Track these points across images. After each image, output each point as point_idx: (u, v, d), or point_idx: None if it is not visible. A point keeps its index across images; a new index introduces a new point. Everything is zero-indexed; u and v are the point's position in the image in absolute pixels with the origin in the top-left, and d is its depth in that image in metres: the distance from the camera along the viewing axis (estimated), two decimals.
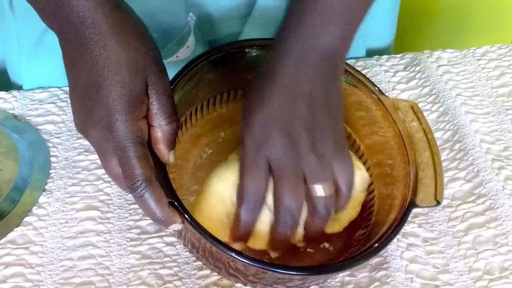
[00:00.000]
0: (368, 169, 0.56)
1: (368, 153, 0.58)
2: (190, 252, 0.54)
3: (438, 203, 0.50)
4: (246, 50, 0.57)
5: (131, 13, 0.48)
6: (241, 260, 0.46)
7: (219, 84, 0.58)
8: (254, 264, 0.46)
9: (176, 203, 0.47)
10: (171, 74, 0.70)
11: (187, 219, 0.47)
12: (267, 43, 0.55)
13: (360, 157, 0.58)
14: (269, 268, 0.46)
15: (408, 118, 0.55)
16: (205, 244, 0.47)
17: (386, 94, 0.69)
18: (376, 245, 0.48)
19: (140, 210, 0.52)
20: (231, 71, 0.57)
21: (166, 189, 0.47)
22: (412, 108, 0.55)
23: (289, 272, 0.47)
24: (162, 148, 0.48)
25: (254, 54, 0.57)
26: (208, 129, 0.60)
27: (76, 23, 0.45)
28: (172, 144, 0.49)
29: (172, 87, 0.51)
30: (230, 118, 0.60)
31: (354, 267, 0.52)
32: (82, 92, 0.46)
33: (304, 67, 0.48)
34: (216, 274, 0.54)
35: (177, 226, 0.47)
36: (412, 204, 0.49)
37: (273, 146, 0.47)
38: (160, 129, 0.48)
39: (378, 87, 0.57)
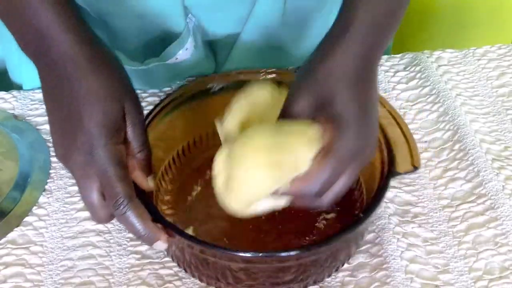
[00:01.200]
0: None
1: None
2: (185, 271, 0.55)
3: (415, 168, 0.53)
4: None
5: (104, 45, 0.50)
6: (231, 253, 0.48)
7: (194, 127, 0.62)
8: (244, 254, 0.48)
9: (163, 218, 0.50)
10: (170, 76, 0.70)
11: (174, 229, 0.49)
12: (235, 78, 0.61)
13: None
14: (257, 255, 0.48)
15: None
16: (195, 254, 0.50)
17: (386, 94, 0.70)
18: (361, 215, 0.50)
19: None
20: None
21: (147, 206, 0.50)
22: None
23: (281, 254, 0.48)
24: (139, 175, 0.51)
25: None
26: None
27: (56, 58, 0.48)
28: (147, 170, 0.51)
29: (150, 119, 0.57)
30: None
31: (347, 247, 0.53)
32: (63, 123, 0.49)
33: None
34: None
35: (161, 244, 0.49)
36: (390, 172, 0.52)
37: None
38: (134, 157, 0.50)
39: None
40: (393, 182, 0.60)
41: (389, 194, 0.59)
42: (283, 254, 0.48)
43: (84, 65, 0.48)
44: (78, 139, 0.47)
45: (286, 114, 0.49)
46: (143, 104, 0.69)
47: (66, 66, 0.48)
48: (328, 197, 0.47)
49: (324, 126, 0.47)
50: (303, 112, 0.48)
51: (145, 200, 0.51)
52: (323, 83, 0.47)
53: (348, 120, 0.47)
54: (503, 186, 0.60)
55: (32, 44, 0.49)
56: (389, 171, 0.53)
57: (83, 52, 0.48)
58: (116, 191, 0.47)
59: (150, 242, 0.49)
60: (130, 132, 0.50)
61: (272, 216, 0.57)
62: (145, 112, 0.65)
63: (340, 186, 0.47)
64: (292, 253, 0.48)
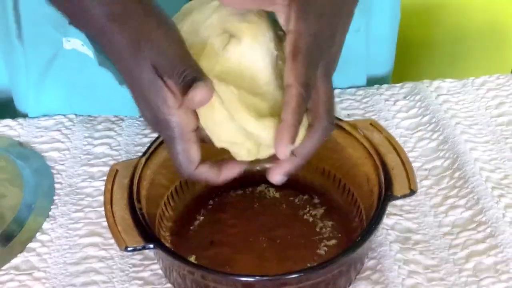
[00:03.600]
0: (348, 190, 0.60)
1: (344, 177, 0.61)
2: None
3: (413, 191, 0.54)
4: None
5: None
6: (232, 278, 0.48)
7: None
8: (245, 279, 0.49)
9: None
10: None
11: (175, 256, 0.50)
12: None
13: (338, 182, 0.62)
14: (257, 279, 0.48)
15: (368, 132, 0.59)
16: (196, 280, 0.50)
17: (386, 122, 0.71)
18: (359, 238, 0.51)
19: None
20: None
21: (142, 229, 0.51)
22: (370, 124, 0.60)
23: (281, 278, 0.49)
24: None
25: None
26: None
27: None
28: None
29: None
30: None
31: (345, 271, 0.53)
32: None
33: None
34: None
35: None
36: (388, 196, 0.53)
37: None
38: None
39: None
40: (394, 209, 0.61)
41: (390, 221, 0.60)
42: (283, 277, 0.48)
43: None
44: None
45: None
46: (146, 131, 0.70)
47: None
48: (324, 111, 0.48)
49: (291, 15, 0.47)
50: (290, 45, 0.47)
51: (146, 226, 0.51)
52: None
53: (314, 13, 0.46)
54: (503, 214, 0.60)
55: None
56: (386, 194, 0.53)
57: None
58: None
59: None
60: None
61: (274, 243, 0.58)
62: (149, 139, 0.66)
63: (325, 92, 0.48)
64: (292, 276, 0.48)
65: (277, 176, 0.50)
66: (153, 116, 0.48)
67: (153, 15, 0.47)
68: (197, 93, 0.45)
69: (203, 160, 0.50)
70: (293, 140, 0.47)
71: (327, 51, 0.48)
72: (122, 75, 0.49)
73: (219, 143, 0.49)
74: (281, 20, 0.48)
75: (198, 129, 0.49)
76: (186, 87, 0.45)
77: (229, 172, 0.51)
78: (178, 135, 0.47)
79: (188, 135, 0.48)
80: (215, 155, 0.51)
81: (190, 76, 0.45)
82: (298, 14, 0.47)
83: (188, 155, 0.48)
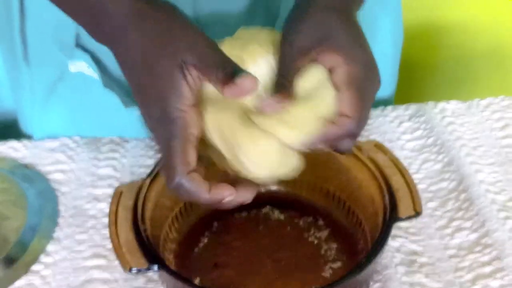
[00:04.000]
0: (353, 212, 0.60)
1: (349, 198, 0.61)
2: None
3: (417, 213, 0.53)
4: None
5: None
6: None
7: None
8: None
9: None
10: None
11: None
12: None
13: (343, 204, 0.61)
14: None
15: (373, 153, 0.59)
16: None
17: (391, 144, 0.71)
18: (364, 260, 0.50)
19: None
20: None
21: (146, 251, 0.50)
22: (375, 145, 0.60)
23: None
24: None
25: None
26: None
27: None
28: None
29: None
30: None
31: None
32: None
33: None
34: None
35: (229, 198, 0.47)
36: (392, 217, 0.53)
37: None
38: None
39: None
40: (399, 232, 0.61)
41: (396, 243, 0.60)
42: None
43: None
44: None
45: (295, 71, 0.48)
46: (150, 152, 0.70)
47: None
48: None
49: (332, 58, 0.48)
50: (310, 58, 0.48)
51: (150, 248, 0.51)
52: (320, 19, 0.48)
53: (355, 46, 0.48)
54: (509, 236, 0.60)
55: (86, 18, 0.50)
56: (391, 217, 0.53)
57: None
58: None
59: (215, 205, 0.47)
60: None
61: (278, 266, 0.57)
62: (154, 161, 0.66)
63: (366, 118, 0.49)
64: None
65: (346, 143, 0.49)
66: (160, 111, 0.46)
67: (181, 15, 0.48)
68: (247, 80, 0.44)
69: None
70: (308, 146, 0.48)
71: (375, 78, 0.49)
72: (135, 73, 0.48)
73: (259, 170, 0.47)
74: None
75: (199, 138, 0.48)
76: (230, 76, 0.45)
77: (220, 192, 0.47)
78: (182, 133, 0.46)
79: (191, 136, 0.46)
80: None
81: (232, 68, 0.45)
82: (339, 51, 0.48)
83: (185, 155, 0.46)
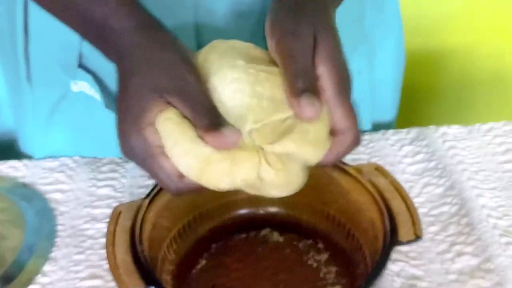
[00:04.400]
0: (353, 235, 0.59)
1: (349, 221, 0.60)
2: None
3: (418, 237, 0.53)
4: None
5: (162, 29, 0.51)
6: None
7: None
8: None
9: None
10: None
11: None
12: None
13: (343, 227, 0.60)
14: None
15: (374, 177, 0.58)
16: None
17: (392, 167, 0.70)
18: (363, 284, 0.49)
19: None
20: None
21: (144, 272, 0.50)
22: (376, 169, 0.59)
23: None
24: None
25: None
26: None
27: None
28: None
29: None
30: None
31: None
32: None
33: None
34: None
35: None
36: (393, 241, 0.52)
37: None
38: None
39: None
40: (399, 256, 0.60)
41: (396, 267, 0.59)
42: None
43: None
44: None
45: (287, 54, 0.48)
46: None
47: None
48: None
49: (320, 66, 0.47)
50: (329, 91, 0.48)
51: (148, 269, 0.51)
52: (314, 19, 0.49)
53: (334, 51, 0.48)
54: (511, 262, 0.59)
55: (92, 35, 0.52)
56: (391, 240, 0.52)
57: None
58: None
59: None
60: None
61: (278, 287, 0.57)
62: (153, 181, 0.66)
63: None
64: None
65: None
66: (126, 139, 0.48)
67: (177, 46, 0.49)
68: (233, 135, 0.45)
69: None
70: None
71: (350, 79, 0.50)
72: (119, 90, 0.49)
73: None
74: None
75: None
76: (217, 124, 0.45)
77: None
78: (148, 153, 0.47)
79: (157, 149, 0.47)
80: None
81: (219, 118, 0.46)
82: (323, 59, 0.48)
83: (165, 169, 0.48)
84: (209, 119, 0.46)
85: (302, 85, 0.46)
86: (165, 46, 0.49)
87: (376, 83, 0.76)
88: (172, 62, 0.48)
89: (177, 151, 0.47)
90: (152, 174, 0.48)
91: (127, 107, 0.48)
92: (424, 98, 1.19)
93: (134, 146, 0.48)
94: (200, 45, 0.65)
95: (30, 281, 0.59)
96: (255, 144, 0.47)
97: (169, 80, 0.47)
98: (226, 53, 0.50)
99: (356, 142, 0.49)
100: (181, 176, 0.48)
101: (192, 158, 0.47)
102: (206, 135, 0.45)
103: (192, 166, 0.47)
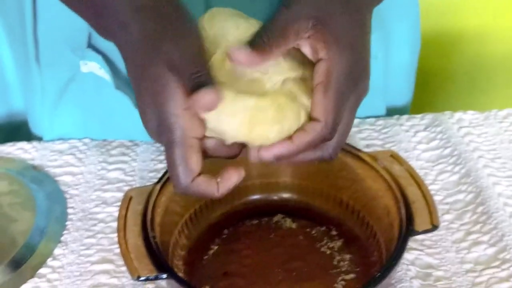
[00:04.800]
0: (367, 223, 0.58)
1: (363, 209, 0.59)
2: None
3: (435, 226, 0.52)
4: None
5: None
6: None
7: None
8: None
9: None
10: None
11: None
12: None
13: (357, 215, 0.60)
14: None
15: (389, 164, 0.57)
16: None
17: (407, 154, 0.69)
18: (378, 274, 0.48)
19: None
20: None
21: (155, 258, 0.49)
22: (391, 156, 0.58)
23: None
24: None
25: None
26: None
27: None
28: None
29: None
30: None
31: None
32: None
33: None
34: None
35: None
36: (409, 231, 0.51)
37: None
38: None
39: (352, 146, 0.60)
40: (414, 244, 0.59)
41: (411, 256, 0.58)
42: None
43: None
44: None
45: (281, 33, 0.46)
46: (161, 157, 0.69)
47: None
48: (335, 143, 0.47)
49: (320, 45, 0.45)
50: (301, 32, 0.46)
51: (159, 255, 0.50)
52: (322, 4, 0.46)
53: (346, 44, 0.45)
54: None
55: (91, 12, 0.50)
56: (407, 229, 0.52)
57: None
58: None
59: None
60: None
61: (290, 277, 0.56)
62: (164, 165, 0.65)
63: (344, 126, 0.46)
64: None
65: (265, 153, 0.47)
66: (156, 116, 0.45)
67: (178, 10, 0.47)
68: (205, 96, 0.43)
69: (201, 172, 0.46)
70: (282, 159, 0.46)
71: (360, 84, 0.47)
72: (133, 72, 0.47)
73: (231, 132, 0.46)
74: (307, 51, 0.47)
75: (203, 139, 0.46)
76: (195, 87, 0.43)
77: (228, 182, 0.47)
78: (180, 140, 0.44)
79: (190, 141, 0.45)
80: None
81: (201, 78, 0.44)
82: (329, 43, 0.46)
83: (188, 163, 0.45)
84: (190, 86, 0.44)
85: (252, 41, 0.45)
86: (168, 9, 0.47)
87: (391, 67, 0.74)
88: (175, 28, 0.46)
89: (224, 113, 0.45)
90: (170, 161, 0.45)
91: (148, 87, 0.46)
92: (438, 83, 1.17)
93: (169, 125, 0.45)
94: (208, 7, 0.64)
95: (41, 264, 0.58)
96: (290, 92, 0.47)
97: (176, 52, 0.45)
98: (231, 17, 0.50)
99: (325, 135, 0.46)
100: (195, 177, 0.46)
101: (241, 112, 0.45)
102: (189, 99, 0.44)
103: (242, 121, 0.45)
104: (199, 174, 0.46)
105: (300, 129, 0.46)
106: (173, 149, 0.45)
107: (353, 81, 0.46)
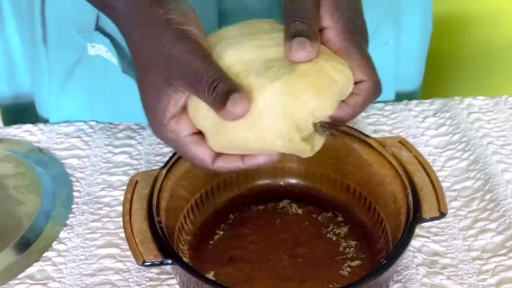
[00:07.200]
0: (374, 209, 0.58)
1: (370, 195, 0.59)
2: None
3: (442, 214, 0.52)
4: None
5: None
6: None
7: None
8: None
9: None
10: None
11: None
12: None
13: (364, 201, 0.59)
14: None
15: (397, 150, 0.57)
16: None
17: (415, 139, 0.69)
18: (384, 261, 0.48)
19: None
20: None
21: (161, 244, 0.50)
22: (400, 142, 0.58)
23: None
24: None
25: None
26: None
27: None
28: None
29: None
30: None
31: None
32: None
33: None
34: None
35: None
36: (416, 218, 0.51)
37: None
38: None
39: (360, 131, 0.59)
40: (421, 231, 0.59)
41: (417, 243, 0.58)
42: None
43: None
44: None
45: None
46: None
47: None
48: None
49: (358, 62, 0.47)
50: (338, 42, 0.47)
51: (165, 240, 0.50)
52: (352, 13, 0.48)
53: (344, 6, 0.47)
54: None
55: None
56: (414, 217, 0.51)
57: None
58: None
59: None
60: None
61: (295, 263, 0.56)
62: (170, 149, 0.65)
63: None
64: None
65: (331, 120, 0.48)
66: (151, 117, 0.48)
67: (171, 24, 0.46)
68: (238, 106, 0.43)
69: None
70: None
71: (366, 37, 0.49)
72: (138, 84, 0.49)
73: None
74: None
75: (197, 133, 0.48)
76: (223, 98, 0.43)
77: (254, 160, 0.48)
78: (177, 145, 0.48)
79: (184, 140, 0.47)
80: None
81: (224, 87, 0.43)
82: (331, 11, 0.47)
83: (196, 155, 0.48)
84: (213, 97, 0.43)
85: (293, 29, 0.45)
86: (161, 26, 0.46)
87: (401, 52, 0.73)
88: (163, 46, 0.46)
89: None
90: (188, 159, 0.49)
91: (149, 104, 0.49)
92: (448, 67, 1.16)
93: (166, 139, 0.48)
94: (221, 12, 0.63)
95: (47, 247, 0.58)
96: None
97: (175, 62, 0.45)
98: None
99: (375, 92, 0.48)
100: (217, 155, 0.48)
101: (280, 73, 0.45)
102: (217, 113, 0.44)
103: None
104: (217, 157, 0.48)
105: (352, 93, 0.47)
106: (179, 152, 0.49)
107: (361, 33, 0.49)
